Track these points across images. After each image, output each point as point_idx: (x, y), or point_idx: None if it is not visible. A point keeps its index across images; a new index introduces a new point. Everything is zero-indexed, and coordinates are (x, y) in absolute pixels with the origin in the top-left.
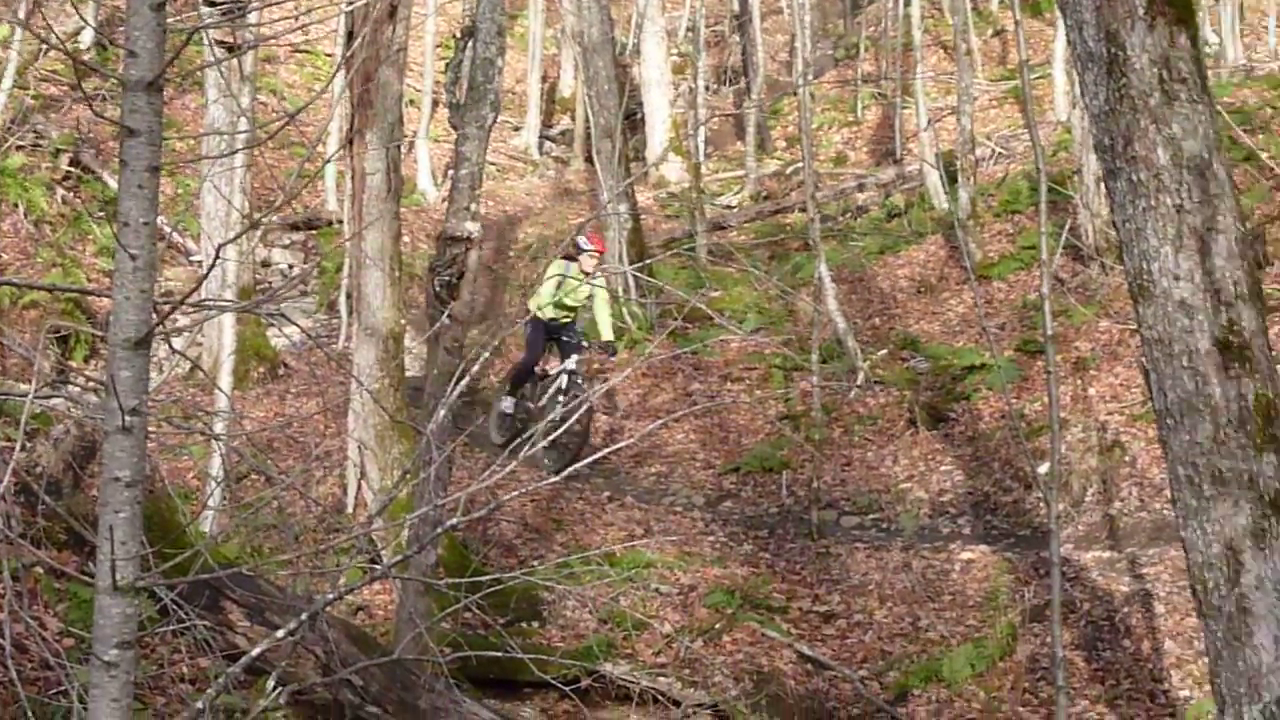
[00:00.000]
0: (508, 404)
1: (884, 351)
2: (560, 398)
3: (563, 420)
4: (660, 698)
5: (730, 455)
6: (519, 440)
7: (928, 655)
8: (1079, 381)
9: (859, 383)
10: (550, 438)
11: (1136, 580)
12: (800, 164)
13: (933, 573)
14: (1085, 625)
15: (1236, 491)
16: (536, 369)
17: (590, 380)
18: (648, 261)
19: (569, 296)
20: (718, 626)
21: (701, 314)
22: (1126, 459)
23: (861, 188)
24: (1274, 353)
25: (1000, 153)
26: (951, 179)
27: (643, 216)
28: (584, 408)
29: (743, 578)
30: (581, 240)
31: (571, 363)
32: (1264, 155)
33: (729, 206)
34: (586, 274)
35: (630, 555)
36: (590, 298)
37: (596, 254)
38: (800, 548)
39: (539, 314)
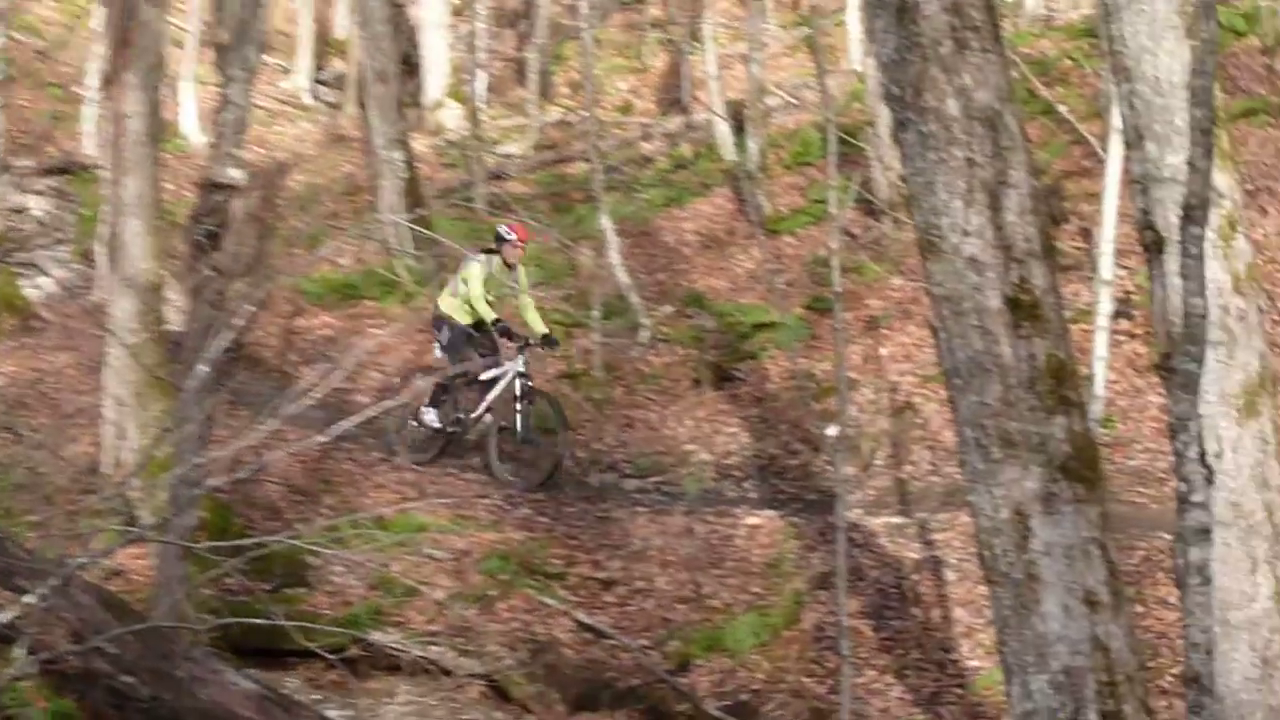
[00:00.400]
0: (431, 416)
1: (669, 308)
2: (518, 405)
3: (525, 430)
4: (431, 667)
5: None
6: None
7: (710, 624)
8: (870, 341)
9: (642, 340)
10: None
11: (927, 546)
12: (584, 112)
13: (717, 538)
14: (873, 593)
15: (1025, 454)
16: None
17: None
18: (423, 212)
19: (493, 293)
20: (492, 593)
21: None
22: (918, 421)
23: (647, 137)
24: (1066, 312)
25: (792, 102)
26: (740, 129)
27: (419, 165)
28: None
29: (519, 542)
30: (502, 230)
31: (520, 364)
32: (1062, 108)
33: (509, 155)
34: (510, 266)
35: (402, 518)
36: (514, 290)
37: (520, 244)
38: (579, 511)
39: (453, 316)
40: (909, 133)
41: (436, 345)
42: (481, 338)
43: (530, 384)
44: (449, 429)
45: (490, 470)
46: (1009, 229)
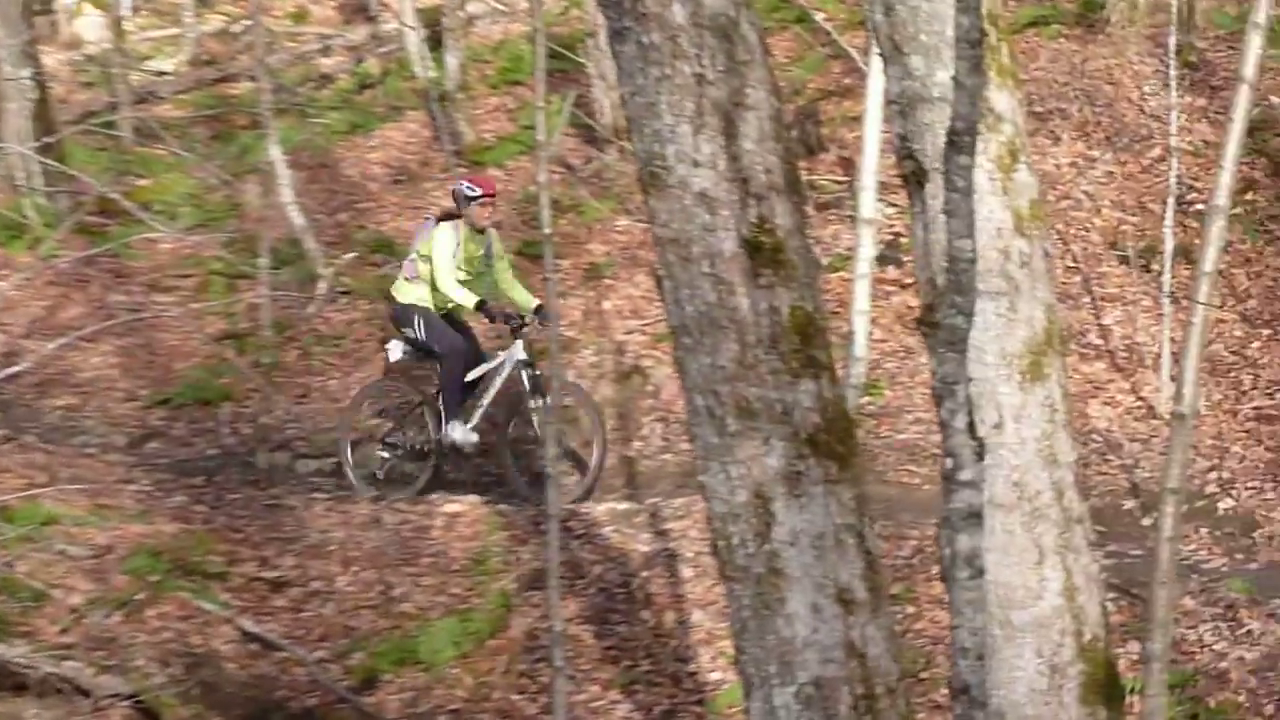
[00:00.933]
0: (463, 435)
1: (352, 255)
2: (532, 403)
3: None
4: (65, 686)
5: (159, 384)
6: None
7: (402, 631)
8: (591, 293)
9: (320, 293)
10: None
11: (659, 537)
12: (249, 20)
13: (409, 529)
14: (595, 593)
15: (767, 426)
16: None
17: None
18: (52, 140)
19: (468, 269)
20: (140, 597)
21: (123, 207)
22: (649, 388)
23: (327, 51)
24: (825, 258)
25: (498, 9)
26: (438, 42)
27: (51, 85)
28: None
29: (172, 536)
30: (464, 186)
31: (520, 350)
32: (819, 16)
33: (161, 73)
34: (480, 231)
35: (29, 509)
36: (486, 260)
37: (488, 199)
38: (245, 499)
39: (423, 304)
40: (627, 44)
41: (398, 345)
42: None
43: (538, 373)
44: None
45: (510, 490)
46: (746, 159)
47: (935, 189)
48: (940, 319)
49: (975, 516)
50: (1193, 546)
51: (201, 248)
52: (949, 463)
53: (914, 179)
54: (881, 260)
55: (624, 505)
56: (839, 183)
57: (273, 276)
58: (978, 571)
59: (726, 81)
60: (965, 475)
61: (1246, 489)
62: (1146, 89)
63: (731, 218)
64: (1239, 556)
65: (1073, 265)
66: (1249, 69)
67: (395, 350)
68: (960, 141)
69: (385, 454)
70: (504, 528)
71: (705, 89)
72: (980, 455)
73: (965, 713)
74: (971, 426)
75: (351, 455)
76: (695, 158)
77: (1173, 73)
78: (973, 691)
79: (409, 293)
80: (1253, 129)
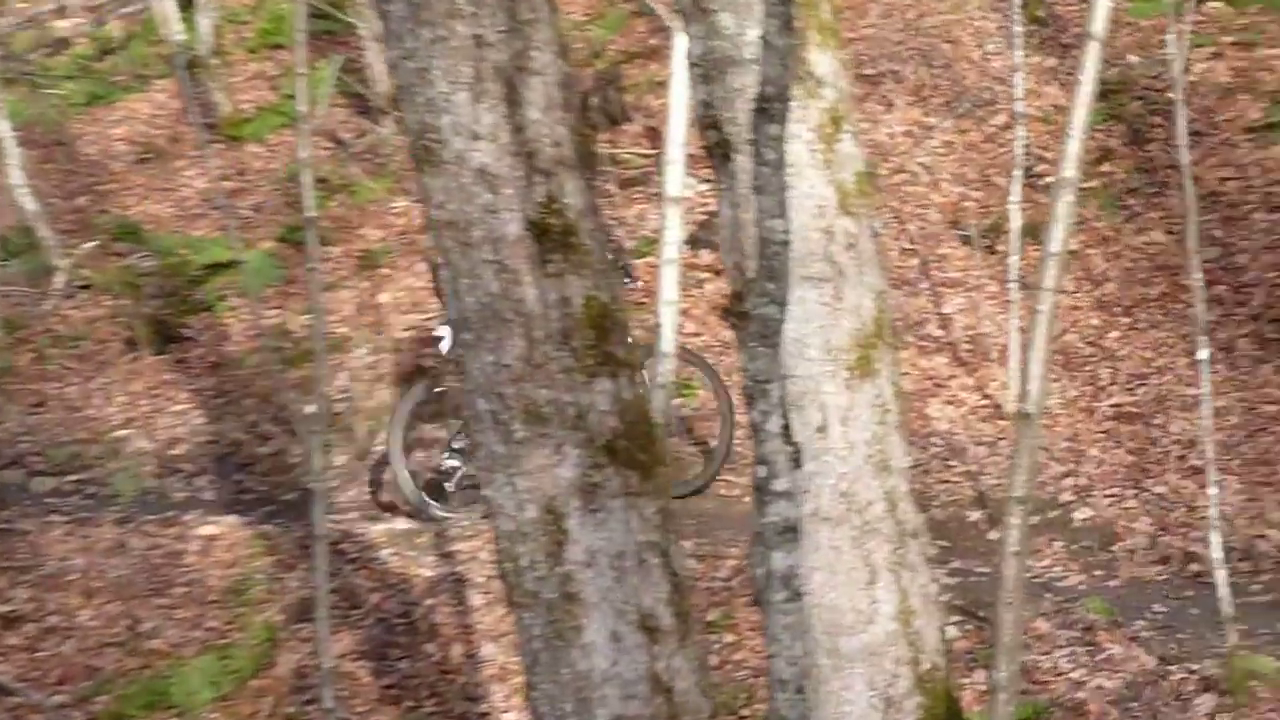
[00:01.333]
0: None
1: (93, 244)
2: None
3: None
4: None
5: None
6: None
7: (152, 671)
8: (366, 284)
9: (57, 288)
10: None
11: (445, 560)
12: None
13: (160, 555)
14: (373, 624)
15: (559, 432)
16: None
17: None
18: None
19: None
20: None
21: None
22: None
23: (62, 12)
24: (631, 241)
25: None
26: (188, 0)
27: None
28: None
29: None
30: None
31: None
32: None
33: None
34: None
35: None
36: None
37: None
38: None
39: None
40: (395, 2)
41: (450, 334)
42: None
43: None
44: None
45: None
46: (531, 130)
47: (745, 162)
48: (750, 309)
49: (791, 531)
50: (1046, 562)
51: None
52: (762, 471)
53: (719, 151)
54: (693, 243)
55: (405, 525)
56: (645, 156)
57: (1, 269)
58: (795, 593)
59: (508, 43)
60: (780, 485)
61: (1106, 496)
62: (989, 48)
63: (515, 197)
64: (1098, 573)
65: (908, 247)
66: (1098, 24)
67: (447, 340)
68: (770, 109)
69: (454, 462)
70: (268, 552)
71: (485, 52)
72: (797, 462)
73: None
74: (787, 430)
75: (408, 469)
76: (474, 129)
77: (1018, 29)
78: None
79: None
80: (1107, 92)
